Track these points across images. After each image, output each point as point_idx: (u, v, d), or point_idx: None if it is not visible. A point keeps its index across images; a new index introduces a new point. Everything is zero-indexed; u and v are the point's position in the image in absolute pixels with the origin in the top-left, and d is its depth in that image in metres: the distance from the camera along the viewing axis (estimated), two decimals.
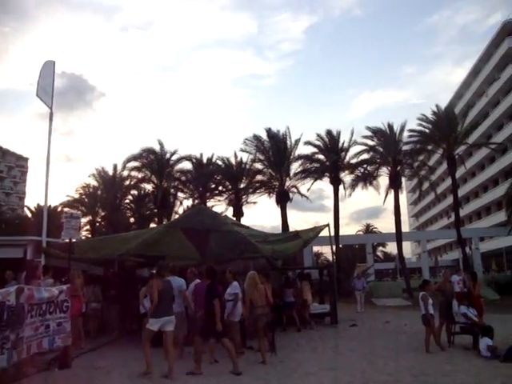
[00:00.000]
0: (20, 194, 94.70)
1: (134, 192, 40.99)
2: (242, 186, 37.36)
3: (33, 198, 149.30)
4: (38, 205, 49.87)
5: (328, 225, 17.28)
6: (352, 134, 35.40)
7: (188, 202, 38.70)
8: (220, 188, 38.36)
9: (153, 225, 37.62)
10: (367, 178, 35.28)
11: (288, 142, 35.98)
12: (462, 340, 11.22)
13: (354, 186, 35.58)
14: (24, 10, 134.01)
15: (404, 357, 9.97)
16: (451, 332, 11.35)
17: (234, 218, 32.23)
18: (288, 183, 36.06)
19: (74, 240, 10.53)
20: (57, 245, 13.55)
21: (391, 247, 73.81)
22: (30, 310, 7.13)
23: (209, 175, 37.18)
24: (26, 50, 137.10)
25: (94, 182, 42.01)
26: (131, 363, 9.55)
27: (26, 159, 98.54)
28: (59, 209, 44.17)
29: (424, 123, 34.52)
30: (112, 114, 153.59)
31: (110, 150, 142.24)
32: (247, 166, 37.29)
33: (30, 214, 54.85)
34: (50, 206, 35.72)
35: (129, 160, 37.53)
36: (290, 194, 35.98)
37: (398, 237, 33.80)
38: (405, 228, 50.60)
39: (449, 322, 11.37)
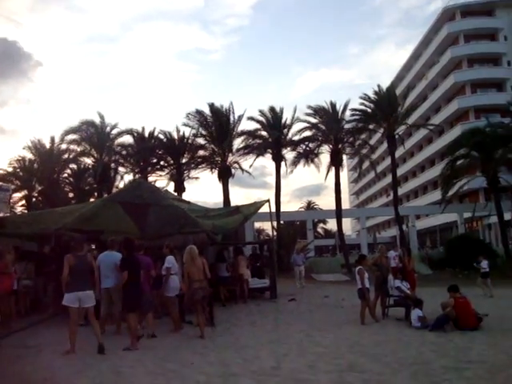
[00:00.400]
0: None
1: (73, 166, 39.75)
2: (183, 161, 36.87)
3: None
4: None
5: (268, 200, 17.35)
6: (295, 111, 35.50)
7: (129, 177, 37.87)
8: (162, 163, 37.68)
9: (92, 200, 36.68)
10: (309, 156, 35.60)
11: (231, 117, 35.62)
12: (395, 313, 11.60)
13: (295, 162, 35.86)
14: None
15: (341, 330, 10.20)
16: (385, 305, 11.73)
17: (176, 194, 31.88)
18: (230, 159, 35.86)
19: (2, 214, 10.05)
20: None
21: (332, 224, 75.30)
22: None
23: (150, 150, 36.48)
24: None
25: (29, 155, 40.38)
26: (65, 342, 9.27)
27: None
28: None
29: (366, 102, 35.06)
30: (50, 85, 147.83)
31: (47, 122, 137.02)
32: (190, 141, 36.78)
33: None
34: None
35: (67, 132, 36.28)
36: (233, 170, 35.83)
37: (338, 214, 34.46)
38: (345, 205, 51.65)
39: (384, 295, 11.73)
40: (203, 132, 36.21)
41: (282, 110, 35.70)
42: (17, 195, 40.57)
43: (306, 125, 35.18)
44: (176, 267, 10.38)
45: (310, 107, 34.92)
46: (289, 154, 36.24)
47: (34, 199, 40.82)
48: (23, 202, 40.75)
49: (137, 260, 9.13)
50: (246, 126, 37.43)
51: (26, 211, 38.79)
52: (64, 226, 12.31)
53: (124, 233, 11.74)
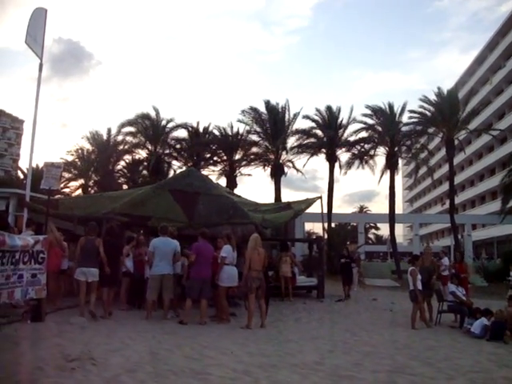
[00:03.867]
0: (14, 156, 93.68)
1: (128, 157, 40.35)
2: (237, 157, 36.87)
3: (27, 160, 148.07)
4: (32, 167, 49.15)
5: (321, 197, 16.97)
6: (351, 111, 34.77)
7: (182, 170, 38.16)
8: (215, 158, 37.80)
9: None
10: (364, 157, 34.82)
11: (286, 115, 35.38)
12: (448, 319, 11.05)
13: (349, 164, 35.12)
14: None
15: (389, 331, 9.74)
16: (431, 309, 11.16)
17: (228, 189, 31.87)
18: (284, 157, 35.54)
19: (53, 189, 10.11)
20: (41, 200, 13.13)
21: (384, 231, 73.84)
22: (1, 257, 6.78)
23: (204, 144, 36.66)
24: (23, 9, 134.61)
25: (87, 146, 41.31)
26: (108, 322, 9.31)
27: (22, 121, 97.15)
28: None
29: (425, 105, 33.93)
30: (109, 80, 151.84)
31: (106, 116, 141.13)
32: (243, 138, 36.74)
33: (22, 176, 54.22)
34: (39, 166, 35.16)
35: (124, 125, 36.90)
36: (285, 169, 35.57)
37: (391, 218, 33.50)
38: (398, 212, 50.39)
39: (429, 297, 11.14)
40: (257, 129, 36.07)
41: (339, 110, 35.11)
42: (74, 184, 41.62)
43: (362, 125, 34.47)
44: (231, 257, 10.11)
45: (367, 107, 34.19)
46: (343, 156, 35.58)
47: (89, 188, 41.71)
48: (80, 190, 41.71)
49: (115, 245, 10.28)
50: (302, 124, 37.06)
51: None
52: (113, 211, 12.38)
53: (172, 220, 11.71)
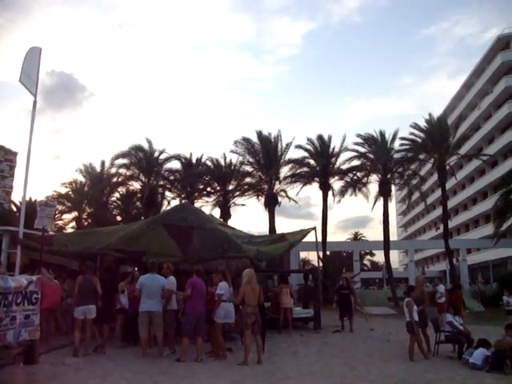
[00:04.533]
0: (7, 188, 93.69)
1: (122, 190, 40.40)
2: (230, 187, 36.97)
3: (20, 192, 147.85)
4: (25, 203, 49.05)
5: (315, 228, 16.96)
6: (343, 139, 35.13)
7: (176, 202, 38.16)
8: (208, 189, 37.89)
9: None
10: (357, 185, 35.00)
11: (279, 145, 35.76)
12: (446, 350, 10.96)
13: (343, 192, 35.26)
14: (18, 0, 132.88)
15: (387, 364, 9.64)
16: (429, 340, 11.07)
17: (222, 220, 31.87)
18: (277, 187, 35.74)
19: (47, 229, 10.10)
20: (35, 236, 13.08)
21: (379, 257, 73.75)
22: None
23: (197, 175, 36.78)
24: (18, 43, 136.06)
25: (81, 178, 41.39)
26: (103, 361, 9.20)
27: (15, 154, 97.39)
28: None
29: (416, 131, 34.28)
30: (102, 112, 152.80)
31: (99, 148, 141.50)
32: (236, 168, 36.91)
33: (15, 209, 54.02)
34: (35, 200, 35.15)
35: (117, 157, 37.02)
36: (279, 198, 35.69)
37: (386, 245, 33.52)
38: (393, 238, 50.35)
39: (424, 327, 11.07)
40: (250, 159, 36.34)
41: (330, 139, 35.50)
42: (67, 216, 41.56)
43: (354, 154, 34.69)
44: (228, 294, 10.04)
45: (359, 135, 34.50)
46: (336, 184, 35.76)
47: (83, 221, 41.59)
48: (73, 223, 41.56)
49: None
50: (294, 154, 37.36)
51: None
52: (107, 246, 12.35)
53: (166, 255, 11.67)
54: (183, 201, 36.21)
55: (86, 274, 10.23)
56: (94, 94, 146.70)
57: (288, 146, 35.66)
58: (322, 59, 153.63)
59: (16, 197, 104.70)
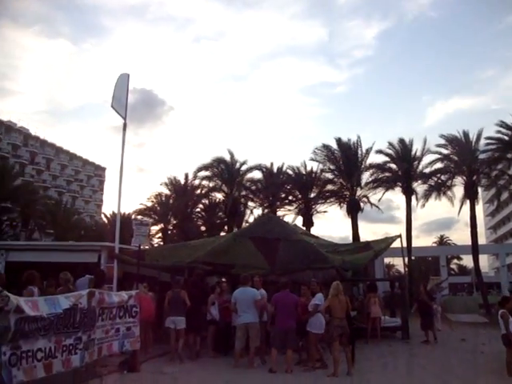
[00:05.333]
0: (98, 201, 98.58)
1: (205, 201, 41.63)
2: (312, 195, 37.09)
3: (109, 205, 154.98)
4: (114, 212, 51.71)
5: (400, 236, 16.75)
6: (425, 142, 34.25)
7: (258, 211, 38.82)
8: (290, 197, 38.26)
9: (223, 233, 37.99)
10: (441, 188, 33.97)
11: (359, 150, 35.52)
12: None
13: (427, 196, 34.35)
14: (101, 25, 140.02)
15: (482, 379, 9.38)
16: None
17: (304, 228, 32.00)
18: (359, 193, 35.46)
19: (143, 246, 10.74)
20: (129, 251, 13.91)
21: (466, 260, 70.62)
22: (101, 314, 7.28)
23: (279, 184, 37.18)
24: (101, 65, 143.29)
25: (166, 191, 43.10)
26: (198, 371, 9.61)
27: (104, 169, 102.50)
28: (133, 216, 45.52)
29: (503, 130, 32.79)
30: (182, 126, 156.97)
31: (180, 160, 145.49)
32: (317, 176, 37.01)
33: (106, 221, 56.99)
34: (124, 213, 37.03)
35: (200, 169, 38.17)
36: (361, 204, 35.35)
37: (475, 250, 32.22)
38: (481, 241, 48.06)
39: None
40: (331, 166, 36.29)
41: (411, 142, 34.77)
42: (154, 228, 43.29)
43: (437, 156, 33.74)
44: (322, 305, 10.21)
45: (442, 136, 33.51)
46: (419, 187, 34.86)
47: (169, 232, 43.19)
48: (160, 234, 43.22)
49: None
50: (375, 159, 36.95)
51: (161, 243, 41.18)
52: (196, 260, 12.85)
53: (254, 267, 11.99)
54: (265, 210, 36.77)
55: (174, 289, 11.18)
56: (173, 108, 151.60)
57: (368, 151, 35.37)
58: (398, 59, 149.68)
59: (106, 209, 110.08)
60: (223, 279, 16.23)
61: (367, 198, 35.50)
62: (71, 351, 6.22)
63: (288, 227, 15.22)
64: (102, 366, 8.90)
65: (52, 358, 5.80)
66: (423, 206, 34.78)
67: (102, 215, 65.94)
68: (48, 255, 14.56)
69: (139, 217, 42.71)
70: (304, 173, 37.35)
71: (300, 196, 37.42)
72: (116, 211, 38.56)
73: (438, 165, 33.94)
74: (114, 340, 7.83)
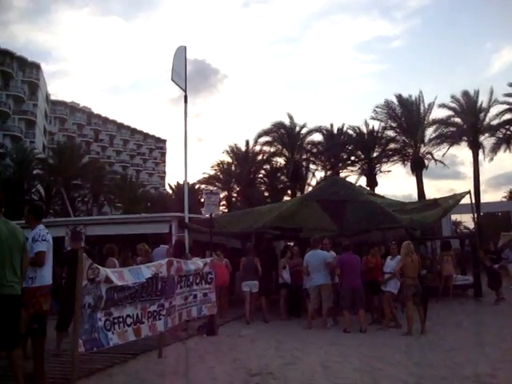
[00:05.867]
0: (161, 173, 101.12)
1: (267, 166, 41.88)
2: (374, 154, 36.57)
3: (172, 176, 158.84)
4: (178, 183, 52.85)
5: (469, 192, 16.29)
6: (491, 92, 32.89)
7: (320, 174, 38.81)
8: (352, 158, 37.98)
9: (286, 198, 38.24)
10: (510, 140, 32.64)
11: (421, 106, 34.63)
12: None
13: (495, 149, 33.22)
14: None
15: None
16: None
17: (368, 188, 31.72)
18: (423, 150, 34.69)
19: (216, 215, 11.05)
20: (197, 220, 14.34)
21: None
22: (179, 281, 7.61)
23: (340, 146, 36.92)
24: (152, 39, 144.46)
25: (227, 159, 43.61)
26: (273, 333, 9.89)
27: (164, 141, 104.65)
28: (196, 186, 46.40)
29: None
30: (238, 93, 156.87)
31: (239, 127, 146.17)
32: (379, 134, 36.36)
33: (170, 192, 58.38)
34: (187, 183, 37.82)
35: (260, 135, 38.38)
36: (426, 161, 34.53)
37: None
38: None
39: None
40: (392, 124, 35.62)
41: (477, 94, 33.53)
42: None
43: (505, 107, 32.37)
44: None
45: (510, 85, 32.00)
46: (486, 141, 33.64)
47: (233, 199, 43.86)
48: (224, 202, 43.98)
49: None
50: (438, 113, 35.71)
51: (226, 211, 41.92)
52: (264, 225, 13.06)
53: (322, 230, 12.08)
54: (328, 172, 36.66)
55: (248, 256, 11.78)
56: (227, 76, 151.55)
57: (430, 106, 34.45)
58: (457, 4, 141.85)
59: (169, 180, 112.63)
60: (289, 243, 16.49)
61: (431, 154, 34.70)
62: (155, 317, 6.57)
63: (354, 188, 15.16)
64: (183, 330, 9.41)
65: (139, 323, 6.16)
66: (491, 159, 33.69)
67: (167, 186, 67.56)
68: (122, 228, 15.24)
69: (203, 186, 43.67)
70: (365, 132, 36.81)
71: (362, 156, 37.00)
72: (180, 182, 39.75)
73: (507, 116, 32.60)
74: (192, 306, 8.18)
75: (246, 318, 11.35)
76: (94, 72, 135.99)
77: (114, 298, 5.70)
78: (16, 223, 5.28)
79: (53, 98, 79.67)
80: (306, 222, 12.74)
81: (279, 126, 37.87)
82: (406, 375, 6.28)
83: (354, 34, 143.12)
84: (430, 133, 34.73)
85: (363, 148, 36.45)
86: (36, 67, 69.03)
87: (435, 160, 34.67)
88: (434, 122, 34.36)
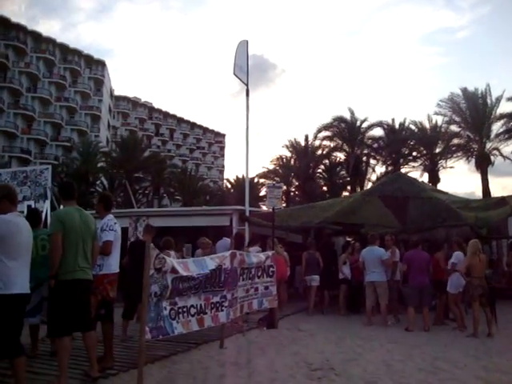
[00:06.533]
0: (219, 167, 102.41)
1: (326, 161, 41.64)
2: (437, 150, 35.60)
3: (231, 170, 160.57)
4: (237, 177, 53.34)
5: None
6: None
7: (381, 169, 38.21)
8: (414, 153, 37.16)
9: (345, 193, 37.92)
10: None
11: (488, 100, 33.32)
12: None
13: None
14: None
15: None
16: None
17: (430, 185, 30.93)
18: (489, 145, 33.39)
19: (278, 209, 11.06)
20: (257, 213, 14.40)
21: None
22: (242, 274, 7.67)
23: (401, 141, 36.23)
24: (209, 34, 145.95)
25: (287, 153, 43.63)
26: (333, 328, 9.83)
27: (223, 135, 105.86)
28: (255, 180, 46.67)
29: None
30: (296, 87, 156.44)
31: (298, 121, 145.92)
32: (442, 129, 35.36)
33: (229, 186, 58.99)
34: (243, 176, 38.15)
35: (320, 130, 38.18)
36: (492, 158, 33.26)
37: None
38: None
39: None
40: (456, 119, 34.51)
41: None
42: None
43: None
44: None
45: None
46: None
47: (291, 193, 43.83)
48: (282, 196, 43.98)
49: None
50: (506, 108, 34.27)
51: (284, 205, 41.96)
52: (325, 220, 12.97)
53: (385, 226, 11.90)
54: (388, 168, 36.03)
55: (310, 250, 12.06)
56: (285, 71, 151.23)
57: (498, 99, 33.09)
58: None
59: (227, 175, 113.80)
60: (348, 238, 16.32)
61: (498, 150, 33.38)
62: (218, 308, 6.65)
63: (417, 184, 14.79)
64: (243, 322, 9.50)
65: (203, 313, 6.25)
66: None
67: (225, 180, 68.33)
68: (183, 220, 15.49)
69: (261, 180, 43.90)
70: (428, 127, 35.93)
71: (424, 152, 36.11)
72: (239, 176, 40.27)
73: None
74: (253, 298, 8.23)
75: (309, 310, 11.80)
76: (155, 67, 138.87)
77: (179, 288, 5.80)
78: None
79: (116, 93, 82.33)
80: (368, 217, 12.57)
81: (339, 120, 37.58)
82: (473, 379, 6.05)
83: (417, 25, 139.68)
84: (497, 128, 33.49)
85: (425, 143, 35.59)
86: (101, 64, 71.80)
87: (503, 156, 33.40)
88: (502, 116, 33.07)
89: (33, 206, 11.70)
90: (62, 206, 12.85)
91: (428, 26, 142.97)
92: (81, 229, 5.24)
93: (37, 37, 64.00)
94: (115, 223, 6.12)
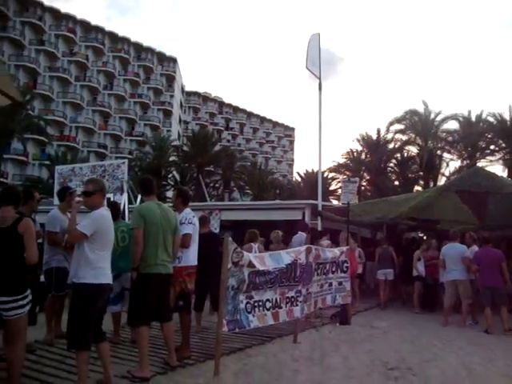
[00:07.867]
0: (289, 161, 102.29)
1: (398, 155, 40.70)
2: None
3: (300, 164, 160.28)
4: (307, 171, 53.06)
5: None
6: None
7: (455, 164, 36.97)
8: (492, 147, 35.53)
9: (417, 188, 36.91)
10: None
11: None
12: None
13: None
14: None
15: None
16: None
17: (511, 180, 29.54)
18: None
19: (351, 203, 10.87)
20: (330, 208, 14.28)
21: None
22: (317, 269, 7.65)
23: (478, 134, 34.70)
24: (282, 28, 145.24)
25: (358, 147, 43.00)
26: (407, 326, 9.61)
27: (293, 129, 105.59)
28: (325, 174, 46.29)
29: None
30: (364, 80, 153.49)
31: (367, 115, 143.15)
32: None
33: (299, 179, 58.77)
34: (315, 171, 37.94)
35: (392, 123, 37.39)
36: None
37: None
38: None
39: None
40: None
41: None
42: None
43: None
44: None
45: None
46: None
47: (362, 188, 43.15)
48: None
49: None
50: None
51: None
52: (400, 215, 12.67)
53: (462, 223, 11.51)
54: (464, 162, 34.75)
55: (383, 245, 12.45)
56: (353, 64, 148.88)
57: None
58: None
59: (297, 168, 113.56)
60: (420, 234, 15.87)
61: None
62: (293, 303, 6.67)
63: (498, 179, 14.11)
64: (316, 317, 9.47)
65: (278, 308, 6.30)
66: None
67: (295, 174, 68.17)
68: (254, 213, 15.57)
69: (331, 174, 43.55)
70: (508, 119, 34.23)
71: (504, 145, 34.48)
72: (309, 169, 40.09)
73: None
74: (327, 294, 8.20)
75: (382, 304, 11.90)
76: (224, 62, 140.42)
77: (256, 282, 5.86)
78: None
79: (187, 89, 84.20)
80: (444, 213, 12.17)
81: (412, 113, 36.60)
82: None
83: (497, 9, 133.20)
84: None
85: (505, 136, 33.91)
86: (173, 60, 73.79)
87: None
88: None
89: (112, 200, 12.12)
90: (139, 199, 13.27)
91: (509, 8, 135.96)
92: (161, 223, 5.40)
93: (113, 37, 67.44)
94: (193, 216, 6.25)
